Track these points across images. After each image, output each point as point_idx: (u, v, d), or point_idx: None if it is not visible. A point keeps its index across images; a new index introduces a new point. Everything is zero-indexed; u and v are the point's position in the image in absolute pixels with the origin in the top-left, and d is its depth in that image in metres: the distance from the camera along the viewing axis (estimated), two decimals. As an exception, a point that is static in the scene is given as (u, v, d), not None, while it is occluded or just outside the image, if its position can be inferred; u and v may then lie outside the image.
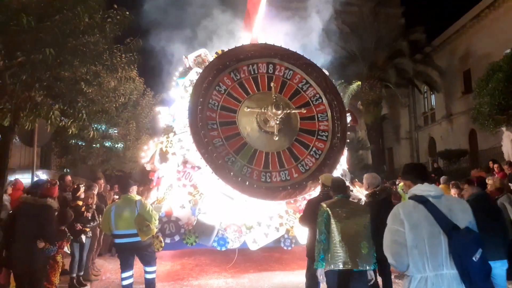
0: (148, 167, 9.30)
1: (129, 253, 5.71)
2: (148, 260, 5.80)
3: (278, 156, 8.01)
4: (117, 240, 5.78)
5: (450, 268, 2.50)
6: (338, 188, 4.30)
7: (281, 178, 7.81)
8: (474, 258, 2.46)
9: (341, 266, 3.81)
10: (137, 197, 5.95)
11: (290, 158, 8.08)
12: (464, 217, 2.62)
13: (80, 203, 6.81)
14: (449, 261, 2.50)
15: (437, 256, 2.51)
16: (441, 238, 2.53)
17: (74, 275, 6.79)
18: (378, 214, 4.93)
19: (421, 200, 2.67)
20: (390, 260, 2.65)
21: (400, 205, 2.78)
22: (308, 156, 8.18)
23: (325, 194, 5.15)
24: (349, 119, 9.12)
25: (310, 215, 4.82)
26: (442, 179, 9.18)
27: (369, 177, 5.48)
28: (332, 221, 3.90)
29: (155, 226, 5.69)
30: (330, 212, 3.95)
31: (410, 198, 2.76)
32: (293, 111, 8.18)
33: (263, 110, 7.87)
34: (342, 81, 22.72)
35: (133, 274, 5.83)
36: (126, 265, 5.76)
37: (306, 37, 12.19)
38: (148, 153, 9.51)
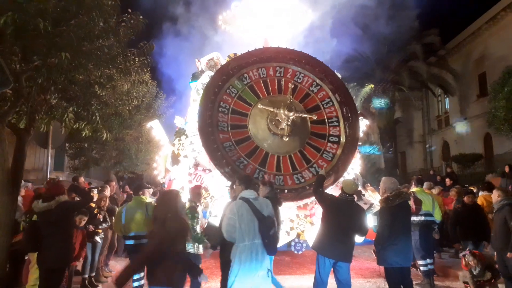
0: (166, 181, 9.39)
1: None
2: None
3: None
4: (128, 242, 5.85)
5: (259, 239, 4.19)
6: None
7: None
8: (270, 233, 4.25)
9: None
10: (148, 199, 6.02)
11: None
12: (267, 210, 4.35)
13: (93, 205, 6.90)
14: (258, 235, 4.19)
15: (252, 232, 4.18)
16: (255, 222, 4.19)
17: (86, 276, 6.87)
18: (393, 221, 4.88)
19: (245, 200, 4.32)
20: (224, 235, 4.29)
21: (234, 203, 4.44)
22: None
23: (342, 199, 5.12)
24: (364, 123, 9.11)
25: None
26: (426, 184, 8.66)
27: (386, 181, 5.27)
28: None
29: None
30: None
31: (239, 198, 4.41)
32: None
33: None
34: (355, 84, 22.59)
35: (143, 277, 5.87)
36: None
37: (319, 40, 12.17)
38: (159, 168, 9.62)
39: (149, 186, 6.74)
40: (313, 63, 8.76)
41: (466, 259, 6.28)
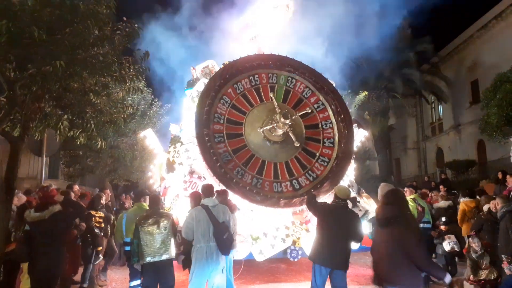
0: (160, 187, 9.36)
1: None
2: None
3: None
4: (127, 248, 5.86)
5: (213, 241, 4.94)
6: (153, 202, 5.62)
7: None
8: (224, 237, 4.92)
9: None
10: (147, 207, 6.02)
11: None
12: (224, 216, 5.14)
13: (102, 214, 6.99)
14: (213, 238, 4.93)
15: (207, 235, 4.93)
16: (210, 227, 4.95)
17: (86, 285, 6.83)
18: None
19: (205, 207, 5.07)
20: (183, 235, 5.08)
21: (195, 209, 5.16)
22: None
23: (335, 205, 5.14)
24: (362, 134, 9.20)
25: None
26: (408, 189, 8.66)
27: (383, 188, 5.25)
28: (140, 229, 5.25)
29: None
30: (137, 223, 5.35)
31: (200, 205, 5.14)
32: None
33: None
34: (349, 91, 22.71)
35: (141, 284, 5.84)
36: (134, 274, 5.80)
37: (313, 48, 12.24)
38: (155, 177, 9.61)
39: (150, 193, 6.78)
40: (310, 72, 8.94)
41: (471, 240, 6.16)
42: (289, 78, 8.83)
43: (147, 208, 5.92)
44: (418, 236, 3.67)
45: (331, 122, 8.59)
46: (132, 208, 6.36)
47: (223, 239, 4.95)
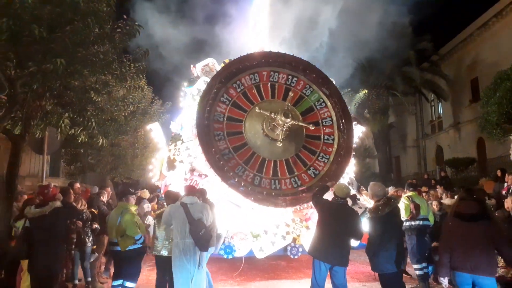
0: (161, 184, 9.37)
1: (119, 261, 5.72)
2: (125, 273, 5.64)
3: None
4: (110, 247, 5.89)
5: (189, 238, 4.99)
6: (169, 199, 5.96)
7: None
8: (200, 233, 4.99)
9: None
10: (132, 206, 5.90)
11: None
12: (199, 214, 5.13)
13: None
14: (189, 235, 4.99)
15: (183, 232, 5.02)
16: (186, 224, 5.01)
17: (76, 282, 6.86)
18: (384, 229, 4.92)
19: (183, 204, 5.16)
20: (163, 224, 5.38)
21: (170, 206, 5.33)
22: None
23: (335, 203, 5.18)
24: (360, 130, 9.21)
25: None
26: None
27: (373, 187, 5.33)
28: (156, 225, 5.77)
29: (136, 236, 5.52)
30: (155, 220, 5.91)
31: (179, 202, 5.26)
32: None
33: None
34: (349, 89, 22.73)
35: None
36: (116, 273, 5.77)
37: (313, 46, 12.27)
38: (155, 171, 9.61)
39: (134, 191, 6.69)
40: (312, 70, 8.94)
41: None
42: (321, 99, 8.81)
43: (129, 207, 5.76)
44: (505, 231, 3.95)
45: (329, 157, 8.57)
46: (115, 208, 6.22)
47: (200, 236, 5.01)
